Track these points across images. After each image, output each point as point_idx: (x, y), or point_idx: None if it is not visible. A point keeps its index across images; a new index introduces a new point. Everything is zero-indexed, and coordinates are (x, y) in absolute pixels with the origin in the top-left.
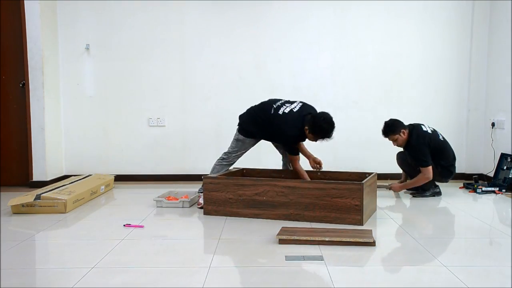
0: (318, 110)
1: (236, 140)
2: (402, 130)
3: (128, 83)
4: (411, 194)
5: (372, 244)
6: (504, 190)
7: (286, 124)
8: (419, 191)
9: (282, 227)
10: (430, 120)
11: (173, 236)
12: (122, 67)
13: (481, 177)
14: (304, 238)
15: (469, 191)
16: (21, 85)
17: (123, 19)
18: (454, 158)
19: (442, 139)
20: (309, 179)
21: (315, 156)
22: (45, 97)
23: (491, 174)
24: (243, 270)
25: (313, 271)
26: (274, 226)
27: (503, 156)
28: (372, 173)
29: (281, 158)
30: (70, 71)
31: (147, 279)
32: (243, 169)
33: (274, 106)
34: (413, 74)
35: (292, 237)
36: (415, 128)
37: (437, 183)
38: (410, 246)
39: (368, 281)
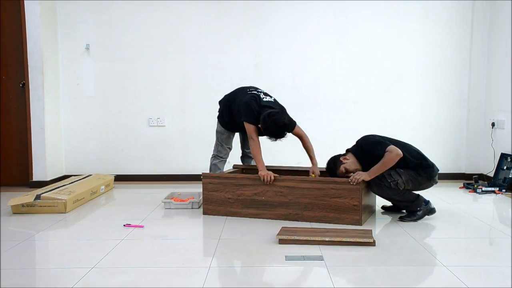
0: (318, 110)
1: (216, 132)
2: (340, 158)
3: (128, 83)
4: (399, 219)
5: (372, 244)
6: (504, 190)
7: (247, 105)
8: (408, 215)
9: (282, 227)
10: (429, 120)
11: (173, 236)
12: (122, 67)
13: (481, 177)
14: (304, 238)
15: (469, 191)
16: (21, 85)
17: (123, 19)
18: (420, 153)
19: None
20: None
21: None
22: (45, 97)
23: (491, 174)
24: (243, 270)
25: (313, 271)
26: (274, 226)
27: (503, 156)
28: None
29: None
30: (70, 71)
31: (147, 279)
32: (243, 168)
33: (248, 91)
34: (413, 74)
35: (292, 237)
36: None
37: (427, 199)
38: (410, 246)
39: (368, 281)
